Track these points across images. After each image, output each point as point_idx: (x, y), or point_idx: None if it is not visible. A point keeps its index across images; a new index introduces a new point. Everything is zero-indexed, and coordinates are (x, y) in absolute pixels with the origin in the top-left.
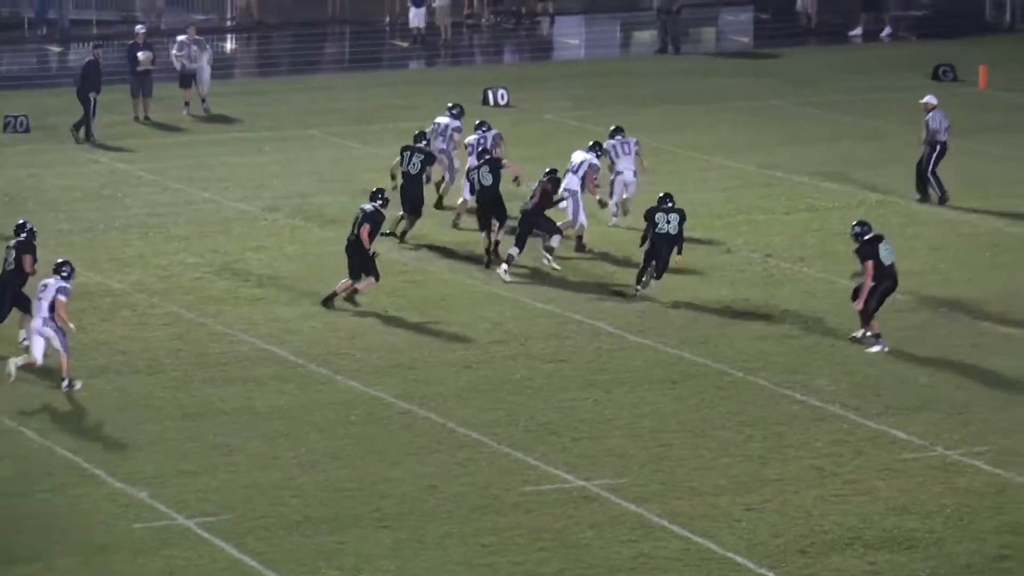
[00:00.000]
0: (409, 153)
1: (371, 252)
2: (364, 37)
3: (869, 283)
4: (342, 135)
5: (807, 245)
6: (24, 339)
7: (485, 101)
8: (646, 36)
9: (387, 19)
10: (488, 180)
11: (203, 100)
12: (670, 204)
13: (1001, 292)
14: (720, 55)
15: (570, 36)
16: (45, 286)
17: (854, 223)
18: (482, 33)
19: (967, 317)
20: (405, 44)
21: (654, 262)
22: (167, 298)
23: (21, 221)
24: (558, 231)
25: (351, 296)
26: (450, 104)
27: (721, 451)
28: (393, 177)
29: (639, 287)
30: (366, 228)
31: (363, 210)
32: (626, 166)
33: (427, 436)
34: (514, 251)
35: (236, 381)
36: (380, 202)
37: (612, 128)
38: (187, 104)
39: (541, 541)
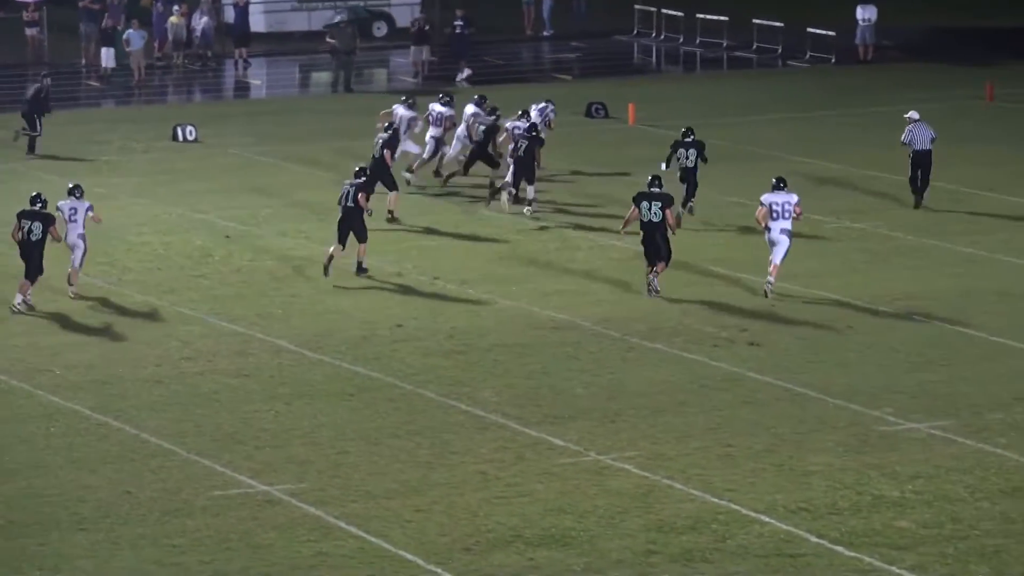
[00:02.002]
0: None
1: (368, 211)
2: (62, 78)
3: (630, 219)
4: (42, 168)
5: (472, 268)
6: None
7: (174, 137)
8: (324, 76)
9: (83, 61)
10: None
11: None
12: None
13: (647, 311)
14: (391, 93)
15: (254, 77)
16: (74, 208)
17: (654, 176)
18: (172, 74)
19: (618, 334)
20: (99, 84)
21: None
22: None
23: (35, 193)
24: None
25: (361, 268)
26: (441, 94)
27: (393, 458)
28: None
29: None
30: (363, 195)
31: (352, 184)
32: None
33: (122, 446)
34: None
35: None
36: (364, 178)
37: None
38: None
39: (228, 542)
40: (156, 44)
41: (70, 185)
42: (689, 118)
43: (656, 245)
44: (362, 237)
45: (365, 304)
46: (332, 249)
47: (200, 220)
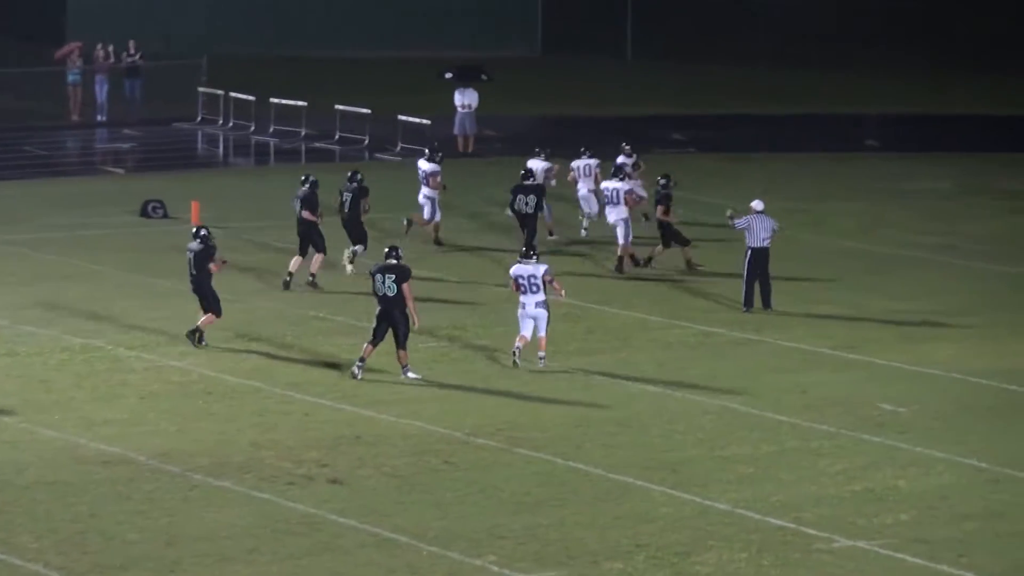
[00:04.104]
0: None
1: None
2: None
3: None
4: None
5: (8, 392)
6: None
7: None
8: None
9: None
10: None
11: None
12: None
13: (213, 443)
14: None
15: None
16: None
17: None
18: None
19: (178, 469)
20: None
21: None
22: None
23: None
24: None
25: (198, 334)
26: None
27: None
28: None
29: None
30: (214, 264)
31: (191, 250)
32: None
33: None
34: (359, 248)
35: None
36: (201, 238)
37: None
38: None
39: None
40: None
41: None
42: (263, 217)
43: (393, 322)
44: (207, 306)
45: None
46: (201, 320)
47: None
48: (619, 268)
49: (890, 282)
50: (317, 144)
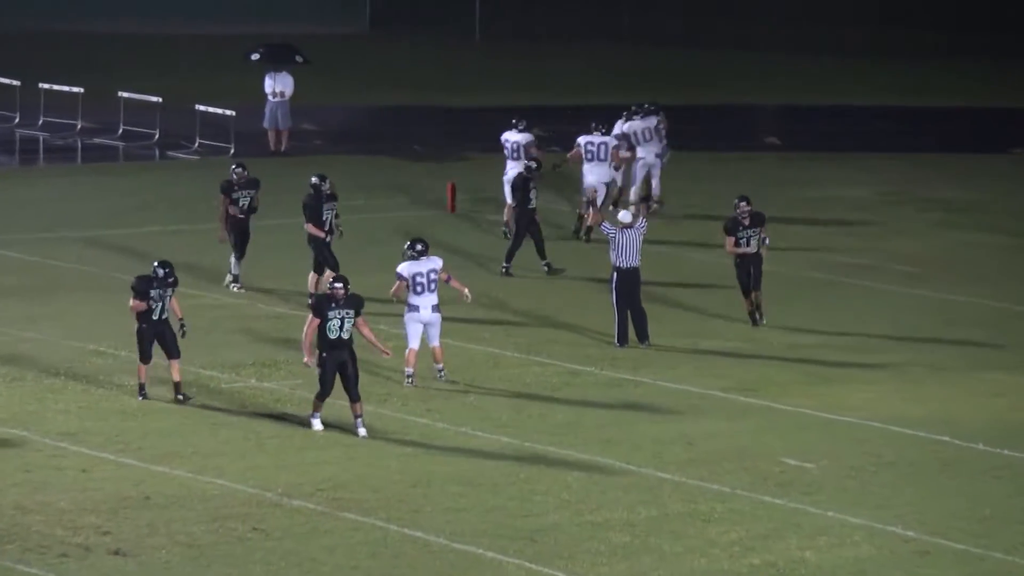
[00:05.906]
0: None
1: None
2: None
3: (310, 331)
4: None
5: None
6: None
7: None
8: None
9: None
10: None
11: None
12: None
13: None
14: None
15: None
16: None
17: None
18: None
19: None
20: None
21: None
22: None
23: None
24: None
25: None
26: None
27: None
28: None
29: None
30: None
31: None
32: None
33: None
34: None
35: None
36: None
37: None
38: None
39: None
40: None
41: None
42: (30, 229)
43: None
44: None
45: None
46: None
47: None
48: (588, 236)
49: (795, 311)
50: (97, 139)
